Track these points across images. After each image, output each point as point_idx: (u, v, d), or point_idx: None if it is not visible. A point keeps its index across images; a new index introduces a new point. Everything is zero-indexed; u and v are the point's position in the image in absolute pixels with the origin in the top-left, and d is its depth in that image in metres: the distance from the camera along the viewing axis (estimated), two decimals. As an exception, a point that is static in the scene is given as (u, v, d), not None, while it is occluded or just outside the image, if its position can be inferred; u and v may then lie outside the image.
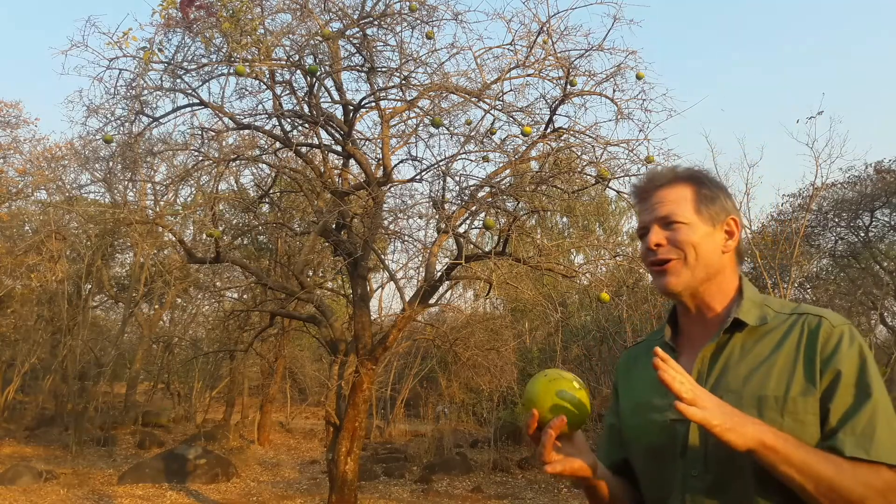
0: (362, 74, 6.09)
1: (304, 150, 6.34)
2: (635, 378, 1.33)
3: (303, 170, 6.79)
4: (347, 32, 5.66)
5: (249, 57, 5.16)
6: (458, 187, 5.65)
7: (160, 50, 5.40)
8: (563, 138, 5.85)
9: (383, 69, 5.89)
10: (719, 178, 1.31)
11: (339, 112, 6.22)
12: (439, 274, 5.88)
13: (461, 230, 5.65)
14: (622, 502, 1.28)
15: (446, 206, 5.62)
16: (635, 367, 1.35)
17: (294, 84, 5.95)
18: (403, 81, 5.76)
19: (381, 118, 6.01)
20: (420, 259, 6.44)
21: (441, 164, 5.94)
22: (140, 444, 11.76)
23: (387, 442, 13.47)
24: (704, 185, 1.26)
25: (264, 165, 6.97)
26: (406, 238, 6.57)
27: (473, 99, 5.65)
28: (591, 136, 5.72)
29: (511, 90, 5.95)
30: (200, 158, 5.94)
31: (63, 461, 10.08)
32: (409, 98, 5.92)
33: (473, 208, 5.76)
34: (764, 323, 1.18)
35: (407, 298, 6.14)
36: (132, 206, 6.50)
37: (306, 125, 6.08)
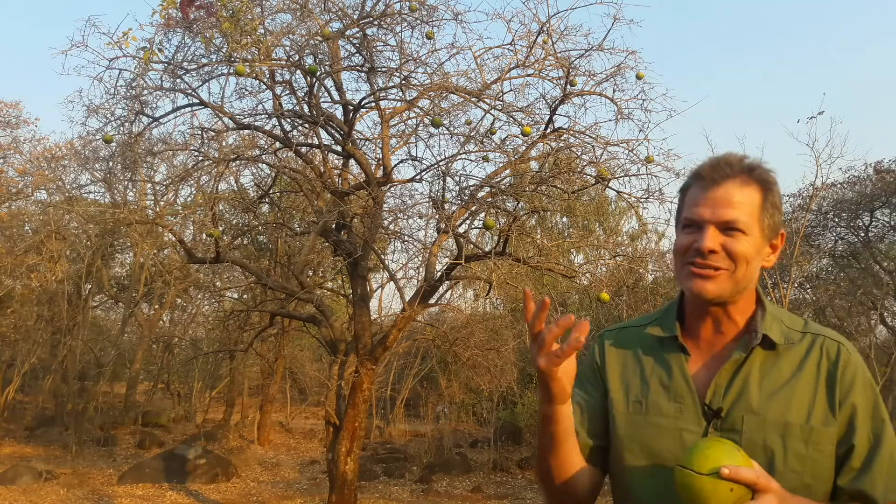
0: (362, 74, 6.09)
1: (304, 150, 6.34)
2: (630, 371, 1.24)
3: (303, 170, 6.78)
4: (347, 32, 5.66)
5: (249, 57, 5.16)
6: (458, 187, 5.65)
7: (160, 50, 5.39)
8: (563, 138, 5.85)
9: (383, 69, 5.89)
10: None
11: (339, 112, 6.21)
12: (439, 274, 5.88)
13: (461, 230, 5.64)
14: (572, 479, 1.20)
15: (446, 206, 5.62)
16: (629, 359, 1.26)
17: (294, 84, 5.94)
18: (403, 81, 5.75)
19: (381, 118, 6.00)
20: (420, 259, 6.43)
21: (441, 164, 5.93)
22: (140, 444, 11.77)
23: (387, 442, 13.47)
24: (772, 193, 1.15)
25: (264, 165, 6.96)
26: (406, 238, 6.56)
27: (473, 99, 5.64)
28: (591, 136, 5.71)
29: (511, 90, 5.94)
30: (200, 158, 5.93)
31: (63, 461, 10.08)
32: (409, 98, 5.91)
33: (473, 208, 5.75)
34: (791, 343, 1.14)
35: (407, 298, 6.14)
36: (132, 206, 6.49)
37: (306, 125, 6.08)
